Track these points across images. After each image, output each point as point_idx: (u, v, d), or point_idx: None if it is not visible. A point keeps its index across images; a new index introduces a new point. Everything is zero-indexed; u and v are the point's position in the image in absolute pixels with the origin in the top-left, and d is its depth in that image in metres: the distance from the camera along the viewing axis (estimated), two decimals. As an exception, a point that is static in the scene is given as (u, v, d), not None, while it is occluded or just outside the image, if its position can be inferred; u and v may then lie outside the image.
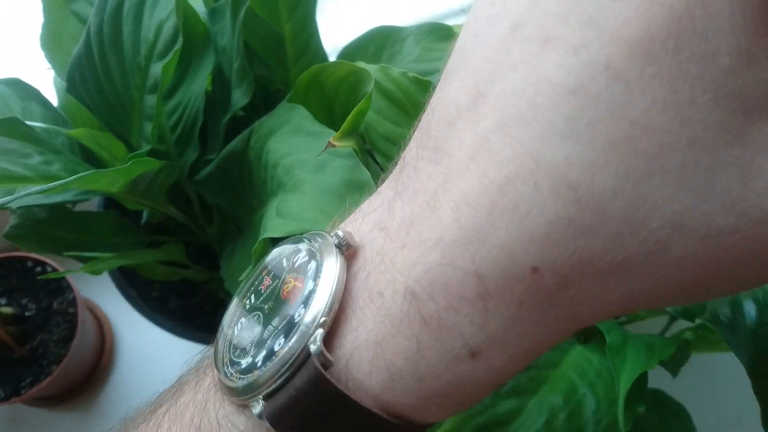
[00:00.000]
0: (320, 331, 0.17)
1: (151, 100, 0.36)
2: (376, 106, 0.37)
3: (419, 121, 0.20)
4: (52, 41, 0.42)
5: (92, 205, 0.50)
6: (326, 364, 0.17)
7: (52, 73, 0.46)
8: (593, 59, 0.15)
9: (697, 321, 0.41)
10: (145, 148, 0.37)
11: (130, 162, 0.30)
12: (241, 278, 0.27)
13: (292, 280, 0.20)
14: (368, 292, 0.18)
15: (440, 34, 0.48)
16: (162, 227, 0.51)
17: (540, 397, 0.30)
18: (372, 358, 0.17)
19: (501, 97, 0.16)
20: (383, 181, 0.21)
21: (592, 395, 0.31)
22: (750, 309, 0.24)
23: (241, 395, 0.19)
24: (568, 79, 0.15)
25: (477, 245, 0.16)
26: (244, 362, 0.19)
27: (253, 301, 0.21)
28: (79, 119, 0.40)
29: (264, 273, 0.21)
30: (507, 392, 0.30)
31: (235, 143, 0.37)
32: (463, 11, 0.77)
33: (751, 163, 0.14)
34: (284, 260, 0.21)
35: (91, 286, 0.60)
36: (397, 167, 0.20)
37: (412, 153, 0.19)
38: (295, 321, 0.18)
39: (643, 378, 0.34)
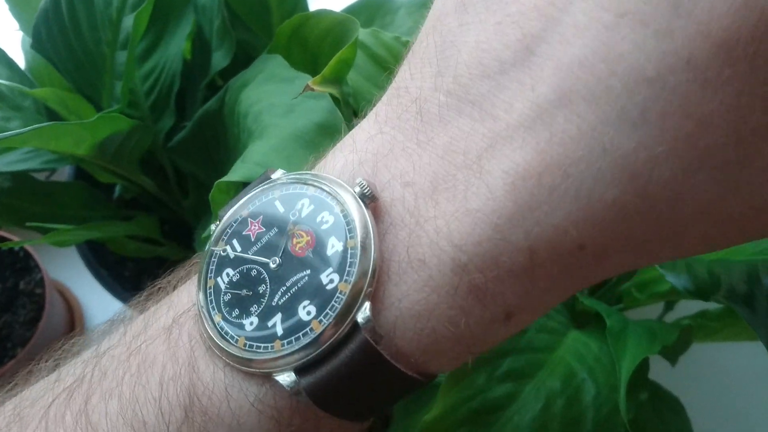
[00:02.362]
0: (368, 303, 0.17)
1: (123, 57, 0.33)
2: (365, 72, 0.35)
3: (422, 51, 0.18)
4: (18, -4, 0.39)
5: (61, 176, 0.48)
6: (376, 338, 0.17)
7: (21, 35, 0.43)
8: (676, 51, 0.15)
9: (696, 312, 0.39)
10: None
11: (97, 116, 0.27)
12: (204, 235, 0.24)
13: (304, 234, 0.18)
14: (406, 257, 0.17)
15: (433, 7, 0.46)
16: (135, 203, 0.48)
17: (537, 381, 0.28)
18: (417, 328, 0.17)
19: (563, 65, 0.16)
20: (367, 116, 0.19)
21: (591, 381, 0.29)
22: (769, 284, 0.22)
23: (257, 366, 0.17)
24: (646, 66, 0.15)
25: (532, 223, 0.16)
26: (251, 326, 0.17)
27: (239, 249, 0.18)
28: (47, 80, 0.37)
29: (247, 216, 0.19)
30: (502, 375, 0.28)
31: (210, 103, 0.34)
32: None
33: None
34: (279, 204, 0.18)
35: (60, 267, 0.57)
36: (397, 103, 0.18)
37: (431, 96, 0.17)
38: (328, 288, 0.17)
39: (644, 365, 0.33)
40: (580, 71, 0.15)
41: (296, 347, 0.17)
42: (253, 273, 0.18)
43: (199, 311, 0.18)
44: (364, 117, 0.20)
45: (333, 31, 0.31)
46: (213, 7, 0.35)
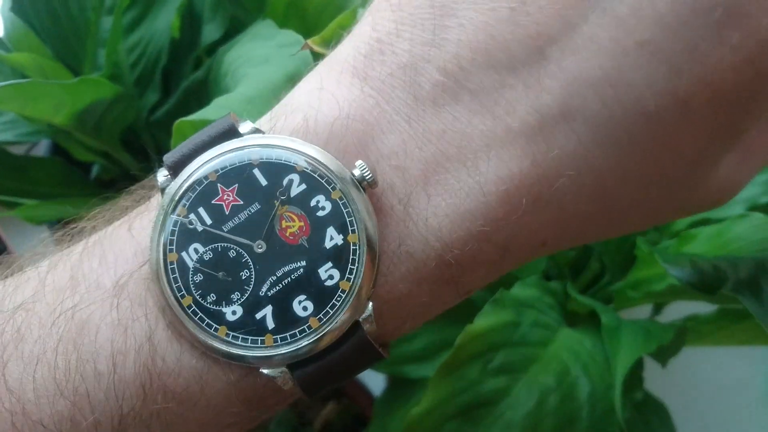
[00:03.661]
0: (371, 304, 0.16)
1: (108, 23, 0.31)
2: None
3: (415, 5, 0.17)
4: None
5: (38, 151, 0.46)
6: (371, 333, 0.17)
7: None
8: (678, 91, 0.16)
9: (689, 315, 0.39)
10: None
11: (78, 79, 0.26)
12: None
13: (294, 218, 0.16)
14: (396, 249, 0.17)
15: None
16: (114, 184, 0.46)
17: (530, 376, 0.27)
18: (398, 315, 0.17)
19: (573, 80, 0.16)
20: (338, 58, 0.18)
21: (586, 378, 0.28)
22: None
23: (247, 361, 0.16)
24: (650, 100, 0.16)
25: (515, 228, 0.17)
26: (233, 315, 0.16)
27: (209, 222, 0.16)
28: (25, 46, 0.36)
29: (216, 180, 0.16)
30: (495, 369, 0.26)
31: (197, 73, 0.33)
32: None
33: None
34: (259, 174, 0.16)
35: (30, 246, 0.55)
36: (380, 61, 0.17)
37: (423, 70, 0.16)
38: (327, 285, 0.16)
39: (639, 364, 0.32)
40: (587, 92, 0.16)
41: (292, 344, 0.16)
42: (231, 254, 0.16)
43: (157, 283, 0.16)
44: (334, 56, 0.18)
45: (333, 2, 0.29)
46: (206, -23, 0.34)
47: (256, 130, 0.17)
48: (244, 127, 0.17)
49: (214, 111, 0.23)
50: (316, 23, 0.31)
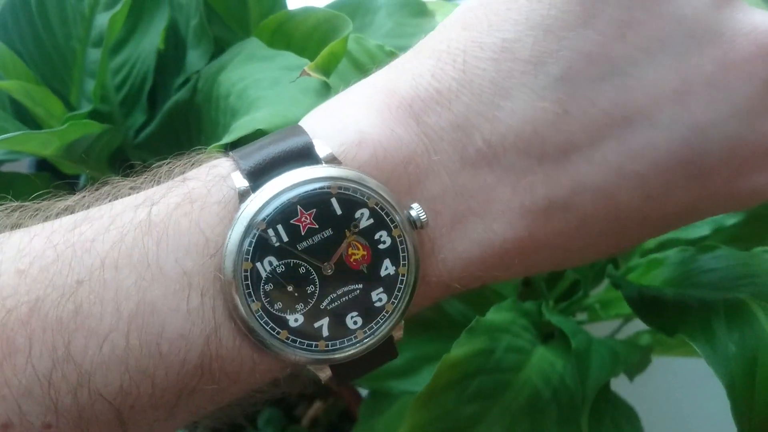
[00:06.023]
0: (402, 322, 0.20)
1: (94, 54, 0.32)
2: (346, 78, 0.34)
3: (473, 74, 0.20)
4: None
5: (22, 166, 0.46)
6: (398, 341, 0.20)
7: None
8: (641, 211, 0.21)
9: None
10: (86, 107, 0.33)
11: (68, 124, 0.26)
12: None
13: (360, 247, 0.19)
14: (421, 279, 0.20)
15: (414, 9, 0.45)
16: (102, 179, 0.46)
17: (503, 402, 0.29)
18: (401, 325, 0.21)
19: (582, 186, 0.20)
20: (390, 87, 0.21)
21: (555, 403, 0.29)
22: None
23: (301, 361, 0.19)
24: (621, 215, 0.21)
25: (510, 268, 0.21)
26: (295, 322, 0.19)
27: (286, 240, 0.18)
28: (12, 71, 0.36)
29: (296, 202, 0.18)
30: (470, 396, 0.28)
31: (180, 94, 0.33)
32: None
33: None
34: (337, 206, 0.19)
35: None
36: (435, 112, 0.20)
37: (472, 132, 0.20)
38: (376, 306, 0.19)
39: (606, 385, 0.34)
40: (588, 194, 0.20)
41: (341, 351, 0.19)
42: (302, 270, 0.18)
43: (229, 286, 0.18)
44: (390, 85, 0.21)
45: (320, 28, 0.30)
46: (191, 4, 0.34)
47: (333, 158, 0.19)
48: (320, 149, 0.19)
49: (243, 133, 0.25)
50: (303, 48, 0.31)
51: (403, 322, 0.20)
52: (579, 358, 0.31)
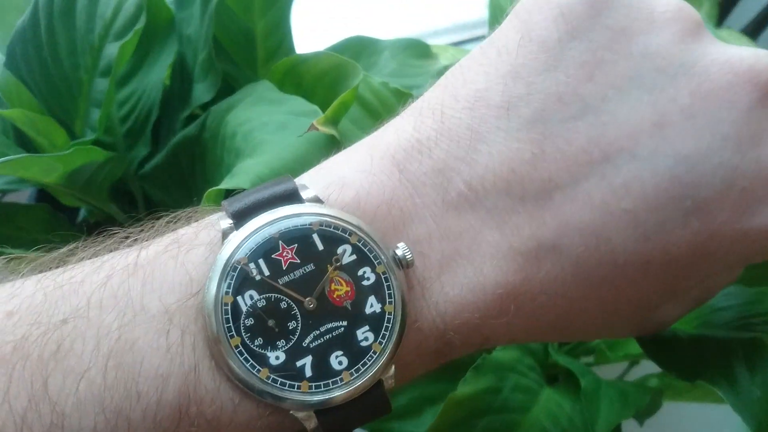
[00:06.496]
0: (393, 366, 0.19)
1: (101, 84, 0.32)
2: (351, 115, 0.34)
3: (453, 124, 0.20)
4: (-7, 11, 0.37)
5: (23, 197, 0.45)
6: (389, 391, 0.19)
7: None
8: (641, 253, 0.20)
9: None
10: (90, 137, 0.33)
11: (72, 149, 0.26)
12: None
13: (343, 283, 0.19)
14: (412, 323, 0.19)
15: (417, 51, 0.46)
16: (100, 227, 0.46)
17: (512, 444, 0.27)
18: (397, 378, 0.19)
19: (567, 225, 0.20)
20: (382, 142, 0.21)
21: (565, 445, 0.28)
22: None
23: (282, 405, 0.18)
24: (621, 254, 0.20)
25: (498, 325, 0.20)
26: (276, 360, 0.18)
27: (267, 274, 0.18)
28: (17, 100, 0.36)
29: (278, 238, 0.18)
30: (477, 437, 0.27)
31: (189, 129, 0.33)
32: (436, 33, 0.76)
33: None
34: (319, 241, 0.18)
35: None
36: (417, 160, 0.20)
37: (453, 178, 0.20)
38: (362, 345, 0.19)
39: (617, 428, 0.32)
40: (575, 235, 0.19)
41: (325, 393, 0.18)
42: (283, 305, 0.18)
43: (208, 320, 0.18)
44: (378, 138, 0.21)
45: (331, 73, 0.30)
46: (199, 38, 0.34)
47: (317, 199, 0.19)
48: (305, 192, 0.20)
49: (243, 179, 0.25)
50: (312, 91, 0.32)
51: (393, 369, 0.19)
52: (588, 399, 0.30)
